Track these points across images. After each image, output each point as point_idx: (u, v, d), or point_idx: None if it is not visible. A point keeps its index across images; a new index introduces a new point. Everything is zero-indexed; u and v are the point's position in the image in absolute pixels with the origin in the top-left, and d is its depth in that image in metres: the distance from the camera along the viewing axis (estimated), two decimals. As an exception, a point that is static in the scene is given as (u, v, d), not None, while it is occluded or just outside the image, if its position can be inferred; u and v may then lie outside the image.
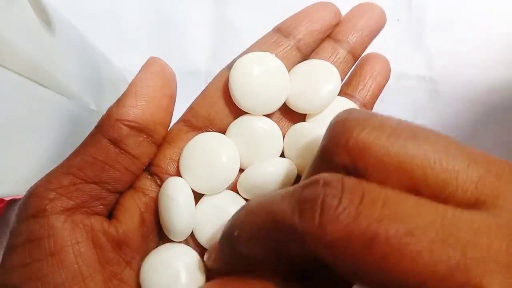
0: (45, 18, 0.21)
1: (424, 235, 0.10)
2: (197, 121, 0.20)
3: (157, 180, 0.19)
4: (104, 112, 0.18)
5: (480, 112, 0.36)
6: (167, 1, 0.37)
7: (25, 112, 0.20)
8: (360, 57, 0.21)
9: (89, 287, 0.16)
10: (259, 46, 0.20)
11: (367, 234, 0.10)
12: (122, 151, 0.17)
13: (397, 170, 0.12)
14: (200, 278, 0.18)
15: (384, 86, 0.22)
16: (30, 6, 0.19)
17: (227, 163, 0.19)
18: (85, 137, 0.18)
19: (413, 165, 0.12)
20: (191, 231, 0.18)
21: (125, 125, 0.17)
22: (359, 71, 0.21)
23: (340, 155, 0.12)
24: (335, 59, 0.21)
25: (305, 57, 0.21)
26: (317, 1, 0.21)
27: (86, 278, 0.16)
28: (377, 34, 0.21)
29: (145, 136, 0.17)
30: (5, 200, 0.31)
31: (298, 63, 0.20)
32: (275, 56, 0.20)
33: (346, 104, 0.20)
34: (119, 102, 0.17)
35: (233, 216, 0.15)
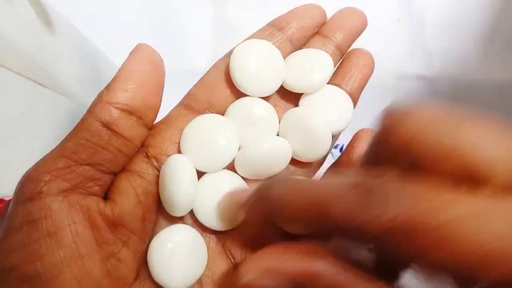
0: (45, 18, 0.21)
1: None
2: (196, 105, 0.20)
3: (155, 163, 0.19)
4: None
5: (480, 113, 0.36)
6: (167, 1, 0.37)
7: (25, 112, 0.20)
8: (347, 52, 0.23)
9: (87, 265, 0.16)
10: (254, 37, 0.22)
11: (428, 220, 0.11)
12: (114, 133, 0.17)
13: (447, 157, 0.12)
14: (204, 257, 0.19)
15: (368, 78, 0.23)
16: (30, 6, 0.19)
17: (227, 142, 0.20)
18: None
19: (462, 151, 0.12)
20: (191, 208, 0.19)
21: (116, 107, 0.17)
22: (346, 63, 0.23)
23: (395, 145, 0.13)
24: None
25: (297, 50, 0.22)
26: (306, 3, 0.23)
27: (84, 257, 0.16)
28: (360, 34, 0.23)
29: (135, 119, 0.18)
30: (5, 200, 0.31)
31: (288, 53, 0.22)
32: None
33: (335, 90, 0.22)
34: (109, 86, 0.18)
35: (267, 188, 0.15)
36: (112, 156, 0.17)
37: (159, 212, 0.19)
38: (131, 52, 0.19)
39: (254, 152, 0.19)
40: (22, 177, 0.17)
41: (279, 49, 0.21)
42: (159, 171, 0.19)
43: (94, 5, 0.36)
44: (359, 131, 0.23)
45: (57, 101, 0.22)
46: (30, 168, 0.17)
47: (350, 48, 0.23)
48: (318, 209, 0.13)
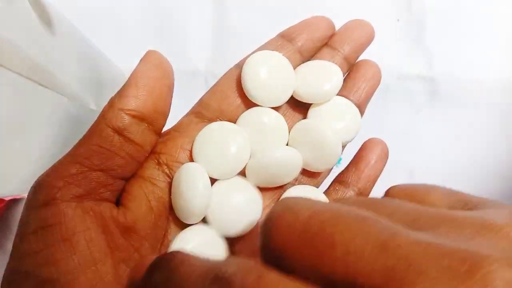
0: (45, 18, 0.21)
1: None
2: (208, 113, 0.21)
3: (166, 170, 0.20)
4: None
5: (480, 113, 0.36)
6: (167, 1, 0.37)
7: (25, 112, 0.20)
8: (355, 63, 0.23)
9: (101, 271, 0.16)
10: (264, 48, 0.22)
11: None
12: (125, 139, 0.18)
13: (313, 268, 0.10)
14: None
15: (375, 89, 0.23)
16: (30, 6, 0.19)
17: (239, 149, 0.20)
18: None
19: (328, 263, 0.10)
20: (204, 215, 0.19)
21: (127, 114, 0.17)
22: (353, 75, 0.23)
23: (273, 252, 0.11)
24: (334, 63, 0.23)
25: (306, 61, 0.23)
26: (315, 14, 0.23)
27: (98, 263, 0.16)
28: (367, 46, 0.23)
29: (146, 125, 0.18)
30: (5, 200, 0.31)
31: (297, 65, 0.22)
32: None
33: (343, 101, 0.22)
34: (121, 92, 0.18)
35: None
36: (123, 162, 0.18)
37: (170, 219, 0.19)
38: (141, 59, 0.19)
39: (265, 160, 0.20)
40: (35, 183, 0.17)
41: (289, 60, 0.22)
42: (170, 178, 0.19)
43: (94, 5, 0.36)
44: (367, 141, 0.23)
45: (57, 101, 0.22)
46: (43, 174, 0.17)
47: (358, 59, 0.24)
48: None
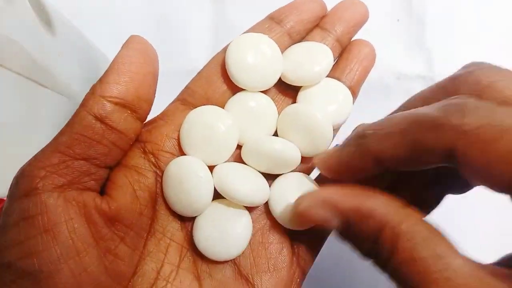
0: (45, 18, 0.21)
1: None
2: (193, 99, 0.20)
3: (152, 159, 0.19)
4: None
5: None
6: (167, 1, 0.37)
7: (25, 112, 0.20)
8: (348, 43, 0.23)
9: (84, 262, 0.16)
10: (252, 31, 0.21)
11: (498, 128, 0.14)
12: (108, 127, 0.17)
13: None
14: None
15: (369, 70, 0.23)
16: (30, 6, 0.19)
17: (228, 132, 0.20)
18: None
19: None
20: (207, 206, 0.19)
21: (109, 101, 0.17)
22: (346, 55, 0.22)
23: (468, 87, 0.17)
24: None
25: (295, 43, 0.22)
26: None
27: (81, 253, 0.16)
28: (361, 26, 0.23)
29: (129, 112, 0.18)
30: (5, 200, 0.30)
31: (286, 47, 0.22)
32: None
33: (334, 83, 0.22)
34: (102, 79, 0.17)
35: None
36: (106, 150, 0.17)
37: (156, 208, 0.19)
38: (123, 44, 0.18)
39: (266, 147, 0.19)
40: (17, 173, 0.17)
41: (277, 43, 0.21)
42: (157, 167, 0.19)
43: (94, 5, 0.36)
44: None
45: (57, 101, 0.22)
46: (25, 164, 0.17)
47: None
48: (407, 120, 0.16)
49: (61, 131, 0.17)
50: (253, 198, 0.19)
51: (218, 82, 0.21)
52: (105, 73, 0.18)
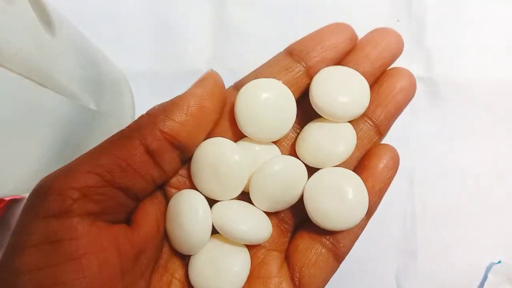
0: (45, 18, 0.21)
1: None
2: None
3: (161, 191, 0.18)
4: (105, 111, 0.17)
5: (479, 113, 0.36)
6: (167, 1, 0.37)
7: (25, 112, 0.20)
8: (384, 73, 0.20)
9: None
10: (269, 67, 0.19)
11: None
12: (155, 163, 0.16)
13: None
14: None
15: (405, 105, 0.20)
16: (30, 6, 0.19)
17: (238, 168, 0.18)
18: (112, 134, 0.16)
19: None
20: (205, 245, 0.18)
21: (167, 139, 0.16)
22: (377, 88, 0.20)
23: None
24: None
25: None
26: (333, 22, 0.20)
27: None
28: (393, 62, 0.20)
29: (178, 153, 0.17)
30: (5, 200, 0.31)
31: (305, 88, 0.20)
32: (284, 81, 0.19)
33: (350, 72, 0.19)
34: (168, 111, 0.16)
35: None
36: (146, 186, 0.16)
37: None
38: (200, 80, 0.17)
39: (267, 175, 0.18)
40: (42, 186, 0.14)
41: (293, 86, 0.19)
42: (164, 200, 0.18)
43: (94, 5, 0.36)
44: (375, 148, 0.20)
45: (57, 101, 0.22)
46: (51, 177, 0.15)
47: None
48: None
49: (100, 149, 0.15)
50: (253, 237, 0.18)
51: (224, 125, 0.19)
52: (172, 105, 0.16)
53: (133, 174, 0.15)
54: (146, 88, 0.34)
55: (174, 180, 0.18)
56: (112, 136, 0.16)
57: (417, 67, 0.36)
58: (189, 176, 0.19)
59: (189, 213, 0.17)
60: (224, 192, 0.19)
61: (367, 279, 0.34)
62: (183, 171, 0.19)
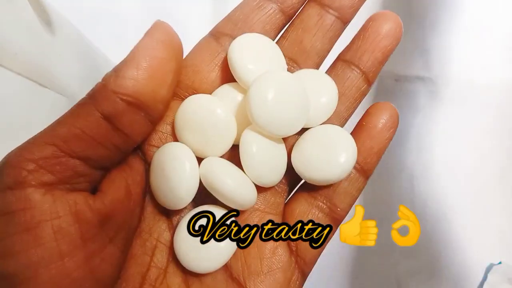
0: (45, 18, 0.21)
1: None
2: (180, 90, 0.18)
3: (140, 154, 0.18)
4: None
5: (479, 113, 0.36)
6: (167, 1, 0.37)
7: (25, 112, 0.20)
8: (368, 18, 0.19)
9: (68, 266, 0.14)
10: (241, 9, 0.19)
11: None
12: (115, 129, 0.15)
13: None
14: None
15: (392, 50, 0.19)
16: (30, 6, 0.19)
17: (228, 122, 0.18)
18: None
19: None
20: (192, 199, 0.17)
21: (123, 99, 0.15)
22: (362, 33, 0.19)
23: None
24: (322, 25, 0.19)
25: (289, 18, 0.19)
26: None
27: (65, 257, 0.14)
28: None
29: (142, 114, 0.15)
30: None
31: (282, 27, 0.19)
32: (259, 19, 0.19)
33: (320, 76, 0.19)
34: (118, 70, 0.15)
35: None
36: (107, 153, 0.15)
37: (143, 206, 0.18)
38: (147, 32, 0.16)
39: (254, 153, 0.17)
40: (2, 161, 0.14)
41: (268, 25, 0.19)
42: (145, 162, 0.18)
43: (94, 5, 0.36)
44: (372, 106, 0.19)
45: (57, 101, 0.22)
46: (12, 152, 0.14)
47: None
48: None
49: (59, 120, 0.15)
50: (241, 197, 0.17)
51: (205, 71, 0.18)
52: (122, 63, 0.15)
53: (90, 142, 0.15)
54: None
55: (155, 137, 0.18)
56: (72, 107, 0.15)
57: (417, 67, 0.36)
58: (173, 133, 0.18)
59: (175, 164, 0.16)
60: (212, 149, 0.18)
61: (367, 279, 0.34)
62: (166, 127, 0.18)
